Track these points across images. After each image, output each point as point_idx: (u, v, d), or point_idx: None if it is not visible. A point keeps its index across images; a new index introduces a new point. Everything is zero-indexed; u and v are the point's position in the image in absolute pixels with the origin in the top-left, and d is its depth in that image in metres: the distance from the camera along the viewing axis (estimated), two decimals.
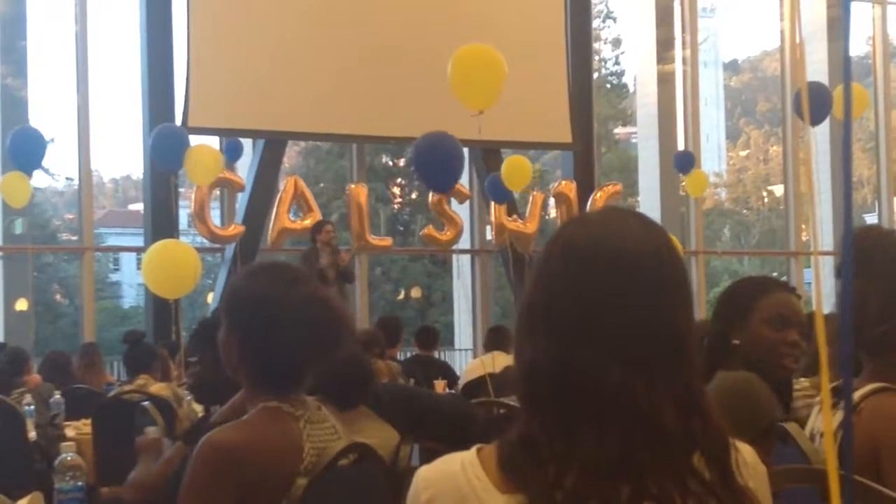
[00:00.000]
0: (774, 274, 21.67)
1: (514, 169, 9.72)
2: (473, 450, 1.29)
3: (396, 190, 26.76)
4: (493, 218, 11.22)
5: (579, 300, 1.27)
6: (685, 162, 11.67)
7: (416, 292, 23.41)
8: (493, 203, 11.01)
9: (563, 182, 11.90)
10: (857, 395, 2.15)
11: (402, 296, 24.11)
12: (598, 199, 11.73)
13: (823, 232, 12.56)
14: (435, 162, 7.25)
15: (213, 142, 10.30)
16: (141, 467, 3.27)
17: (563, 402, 1.24)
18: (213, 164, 9.06)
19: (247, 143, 10.86)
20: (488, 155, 11.64)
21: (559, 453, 1.22)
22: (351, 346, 2.34)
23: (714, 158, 38.62)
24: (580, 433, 1.22)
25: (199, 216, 9.94)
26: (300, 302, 2.17)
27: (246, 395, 2.27)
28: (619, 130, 30.76)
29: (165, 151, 8.59)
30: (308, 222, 10.46)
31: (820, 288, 1.39)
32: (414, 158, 7.41)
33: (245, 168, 11.02)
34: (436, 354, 8.63)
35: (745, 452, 1.31)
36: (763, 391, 2.59)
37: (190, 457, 2.12)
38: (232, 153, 10.31)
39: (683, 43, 13.96)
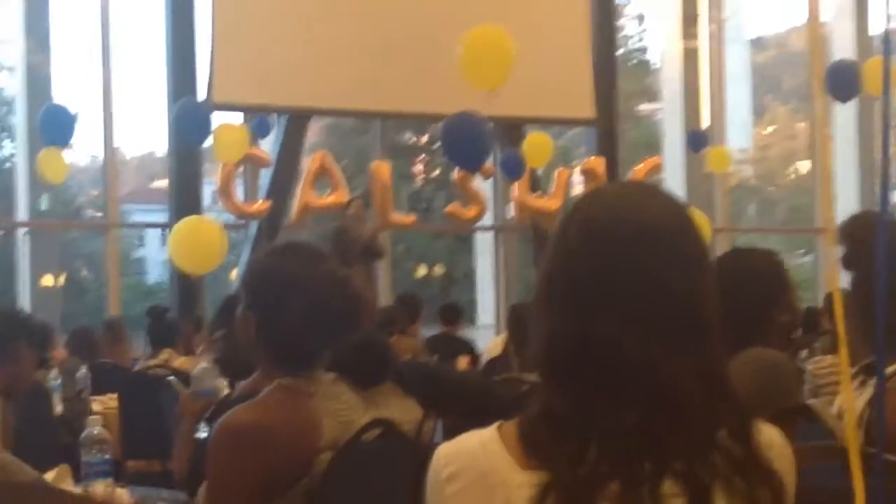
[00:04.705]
0: (801, 251, 21.47)
1: (535, 146, 9.75)
2: (494, 426, 1.28)
3: (419, 166, 26.68)
4: (515, 195, 11.18)
5: (598, 271, 1.25)
6: (698, 140, 11.66)
7: (438, 269, 23.39)
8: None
9: (592, 158, 11.84)
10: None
11: (424, 273, 24.09)
12: (637, 171, 11.74)
13: (848, 210, 12.43)
14: (463, 141, 7.22)
15: (237, 117, 10.29)
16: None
17: (582, 374, 1.23)
18: (240, 142, 9.06)
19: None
20: (510, 131, 11.58)
21: (579, 426, 1.21)
22: (366, 327, 2.33)
23: (739, 135, 38.28)
24: (599, 404, 1.21)
25: (225, 191, 9.93)
26: (317, 282, 2.17)
27: (261, 371, 2.28)
28: (644, 107, 30.50)
29: (189, 125, 8.60)
30: (332, 199, 10.44)
31: (835, 267, 1.39)
32: (442, 138, 7.37)
33: (268, 144, 11.01)
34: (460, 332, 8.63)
35: (772, 434, 1.29)
36: (794, 371, 2.57)
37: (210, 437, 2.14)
38: (260, 130, 10.31)
39: (709, 19, 13.82)
